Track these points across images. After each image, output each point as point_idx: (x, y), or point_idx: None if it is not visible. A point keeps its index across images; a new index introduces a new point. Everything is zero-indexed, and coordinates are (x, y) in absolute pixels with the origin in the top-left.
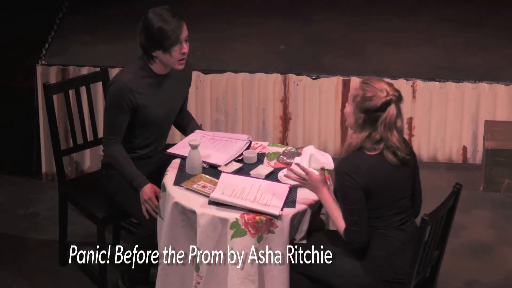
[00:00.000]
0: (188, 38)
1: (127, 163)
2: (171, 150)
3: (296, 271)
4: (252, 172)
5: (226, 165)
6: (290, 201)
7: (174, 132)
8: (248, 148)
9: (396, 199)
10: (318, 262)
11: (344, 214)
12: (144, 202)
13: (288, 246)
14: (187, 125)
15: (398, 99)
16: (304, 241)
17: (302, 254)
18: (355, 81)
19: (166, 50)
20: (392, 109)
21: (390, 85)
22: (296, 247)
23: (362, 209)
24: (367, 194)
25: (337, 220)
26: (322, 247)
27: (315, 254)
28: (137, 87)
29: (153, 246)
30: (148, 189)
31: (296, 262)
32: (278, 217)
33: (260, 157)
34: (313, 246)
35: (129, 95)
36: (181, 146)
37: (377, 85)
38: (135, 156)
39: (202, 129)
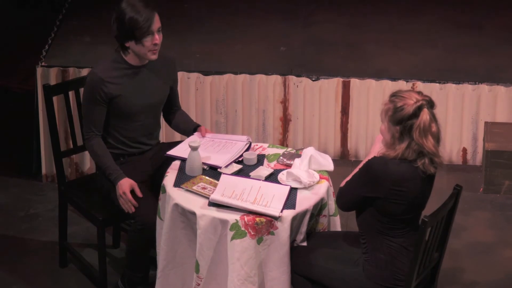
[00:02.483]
0: (160, 29)
1: (105, 157)
2: (171, 152)
3: (296, 273)
4: (252, 174)
5: (226, 166)
6: (290, 202)
7: (173, 130)
8: (248, 149)
9: (412, 212)
10: (318, 264)
11: (350, 178)
12: (119, 196)
13: (288, 248)
14: (180, 122)
15: (430, 103)
16: (305, 243)
17: (303, 256)
18: (355, 83)
19: (138, 40)
20: (425, 114)
21: (419, 92)
22: (296, 249)
23: (354, 195)
24: (382, 199)
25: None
26: (323, 250)
27: (316, 257)
28: (110, 78)
29: (147, 240)
30: (123, 183)
31: (296, 264)
32: (278, 218)
33: (260, 159)
34: (313, 249)
35: (101, 86)
36: (180, 148)
37: (405, 94)
38: (123, 152)
39: (200, 125)
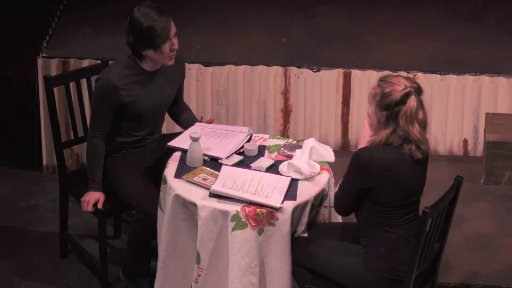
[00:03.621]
0: (176, 34)
1: (96, 164)
2: (171, 143)
3: (297, 264)
4: (253, 165)
5: (227, 157)
6: (291, 193)
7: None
8: (249, 140)
9: (407, 199)
10: (319, 255)
11: (342, 180)
12: (83, 200)
13: (289, 239)
14: (183, 119)
15: (418, 90)
16: (305, 234)
17: (304, 247)
18: (356, 74)
19: (156, 48)
20: (412, 101)
21: (408, 78)
22: (297, 240)
23: (350, 193)
24: (374, 189)
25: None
26: (323, 241)
27: (316, 248)
28: (124, 85)
29: (149, 231)
30: (93, 194)
31: (297, 255)
32: (278, 209)
33: (261, 150)
34: (314, 240)
35: (114, 93)
36: (181, 139)
37: (394, 80)
38: (126, 146)
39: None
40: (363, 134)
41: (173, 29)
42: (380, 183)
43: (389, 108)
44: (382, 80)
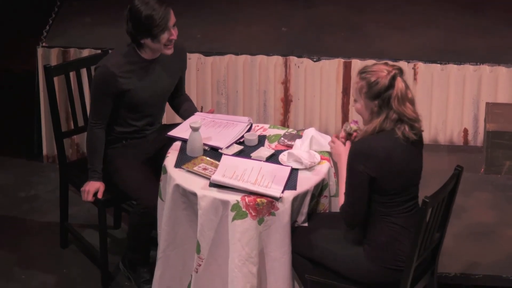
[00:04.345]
0: (175, 24)
1: (97, 153)
2: (172, 133)
3: (297, 253)
4: (253, 155)
5: (227, 147)
6: (291, 183)
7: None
8: (249, 130)
9: (407, 185)
10: (319, 245)
11: (345, 191)
12: (83, 190)
13: (289, 229)
14: (184, 110)
15: (400, 71)
16: (306, 224)
17: (304, 237)
18: (356, 64)
19: (154, 37)
20: (399, 82)
21: (385, 63)
22: (297, 230)
23: (363, 195)
24: (377, 179)
25: (342, 195)
26: (323, 231)
27: (316, 238)
28: (122, 73)
29: (149, 223)
30: (93, 184)
31: (297, 245)
32: (279, 199)
33: (261, 140)
34: (314, 230)
35: (113, 81)
36: (181, 129)
37: (374, 68)
38: (126, 136)
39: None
40: (338, 151)
41: (172, 19)
42: (382, 171)
43: (380, 96)
44: (363, 72)
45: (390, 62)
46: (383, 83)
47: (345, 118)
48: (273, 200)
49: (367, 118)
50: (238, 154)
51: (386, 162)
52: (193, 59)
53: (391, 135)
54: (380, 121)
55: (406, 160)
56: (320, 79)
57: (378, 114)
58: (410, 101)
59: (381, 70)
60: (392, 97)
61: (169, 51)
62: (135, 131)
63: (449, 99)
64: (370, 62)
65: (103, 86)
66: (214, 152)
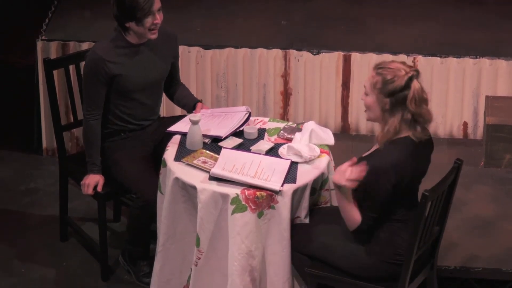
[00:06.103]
0: (161, 9)
1: (93, 145)
2: (171, 129)
3: (297, 250)
4: (252, 148)
5: (226, 139)
6: (290, 176)
7: (174, 105)
8: (247, 119)
9: (412, 185)
10: (319, 240)
11: (367, 209)
12: (82, 183)
13: (289, 222)
14: (181, 96)
15: (418, 73)
16: (307, 221)
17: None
18: (356, 57)
19: (139, 21)
20: (416, 84)
21: (403, 63)
22: (297, 224)
23: (384, 209)
24: (395, 185)
25: (350, 212)
26: (323, 226)
27: (316, 233)
28: (111, 57)
29: (148, 217)
30: (93, 177)
31: (296, 240)
32: (278, 192)
33: (261, 133)
34: (314, 226)
35: (102, 65)
36: (181, 124)
37: (392, 66)
38: (124, 128)
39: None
40: (342, 169)
41: (157, 4)
42: (403, 178)
43: (394, 95)
44: (380, 67)
45: (425, 67)
46: (399, 82)
47: (344, 111)
48: (272, 194)
49: (378, 114)
50: (238, 147)
51: (407, 170)
52: (193, 53)
53: (405, 141)
54: (398, 122)
55: (420, 163)
56: (320, 73)
57: (391, 113)
58: (426, 102)
59: (399, 69)
60: (408, 98)
61: (153, 36)
62: (132, 123)
63: (448, 92)
64: (370, 55)
65: (94, 72)
66: (213, 146)
